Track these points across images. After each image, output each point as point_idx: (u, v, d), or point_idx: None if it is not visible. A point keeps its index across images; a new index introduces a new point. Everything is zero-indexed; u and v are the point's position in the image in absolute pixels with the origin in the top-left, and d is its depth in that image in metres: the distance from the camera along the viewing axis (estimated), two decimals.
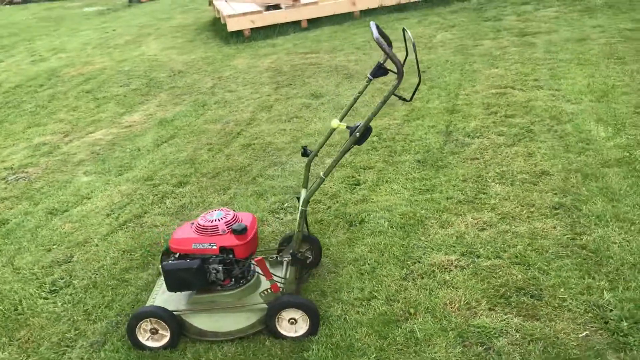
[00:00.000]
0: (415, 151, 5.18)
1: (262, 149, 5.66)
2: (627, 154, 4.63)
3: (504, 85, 6.58)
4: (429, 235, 3.87)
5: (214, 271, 3.18)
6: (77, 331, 3.33)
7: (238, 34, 10.53)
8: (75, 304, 3.57)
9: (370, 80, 3.17)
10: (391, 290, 3.36)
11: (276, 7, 10.97)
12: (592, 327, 2.92)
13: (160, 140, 6.22)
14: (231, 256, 3.15)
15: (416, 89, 2.90)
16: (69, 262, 4.04)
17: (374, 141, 5.48)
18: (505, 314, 3.07)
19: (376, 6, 11.10)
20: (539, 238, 3.70)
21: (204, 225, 3.14)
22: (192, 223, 3.23)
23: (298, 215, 2.96)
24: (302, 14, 10.73)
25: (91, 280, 3.80)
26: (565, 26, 8.78)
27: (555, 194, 4.22)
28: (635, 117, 5.34)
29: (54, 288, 3.76)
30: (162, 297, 3.32)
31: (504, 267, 3.45)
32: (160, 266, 3.30)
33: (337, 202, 4.45)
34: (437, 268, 3.52)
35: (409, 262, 3.61)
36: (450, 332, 2.99)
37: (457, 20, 10.16)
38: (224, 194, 4.79)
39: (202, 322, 3.13)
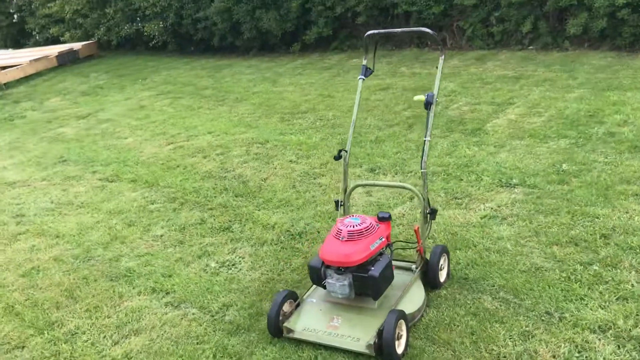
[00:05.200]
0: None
1: None
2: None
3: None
4: None
5: None
6: None
7: None
8: None
9: (363, 80, 4.00)
10: None
11: None
12: None
13: None
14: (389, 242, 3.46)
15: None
16: None
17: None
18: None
19: None
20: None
21: (365, 227, 3.27)
22: (340, 237, 3.23)
23: (422, 178, 3.59)
24: None
25: None
26: None
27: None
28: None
29: None
30: (357, 318, 3.22)
31: None
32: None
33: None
34: None
35: None
36: None
37: None
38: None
39: (409, 308, 3.32)
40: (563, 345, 3.03)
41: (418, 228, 3.53)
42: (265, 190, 5.46)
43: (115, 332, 3.61)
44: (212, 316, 3.65)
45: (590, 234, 3.99)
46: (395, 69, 9.55)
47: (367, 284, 3.16)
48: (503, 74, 8.42)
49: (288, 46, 12.63)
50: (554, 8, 9.38)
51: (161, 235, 4.84)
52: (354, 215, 3.38)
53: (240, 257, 4.34)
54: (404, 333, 3.10)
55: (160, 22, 13.54)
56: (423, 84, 8.38)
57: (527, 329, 3.18)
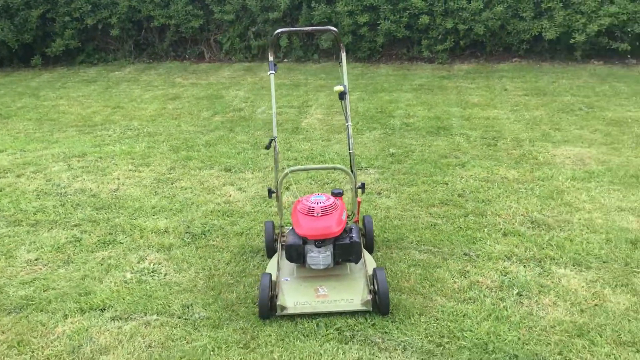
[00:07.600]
0: None
1: None
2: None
3: None
4: None
5: None
6: None
7: None
8: None
9: (273, 74, 4.34)
10: None
11: None
12: None
13: None
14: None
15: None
16: None
17: None
18: None
19: None
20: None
21: (334, 202, 3.66)
22: (315, 214, 3.55)
23: (350, 158, 4.06)
24: None
25: None
26: None
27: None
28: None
29: None
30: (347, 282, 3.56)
31: None
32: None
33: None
34: None
35: None
36: None
37: None
38: None
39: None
40: (492, 273, 3.86)
41: (360, 201, 4.00)
42: (125, 200, 5.18)
43: (75, 358, 3.20)
44: (180, 317, 3.51)
45: (450, 196, 4.99)
46: (171, 80, 9.61)
47: (350, 250, 3.51)
48: (281, 82, 9.25)
49: (21, 59, 11.43)
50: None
51: (36, 259, 4.27)
52: (316, 194, 3.69)
53: (155, 264, 4.15)
54: None
55: None
56: (212, 92, 8.68)
57: (459, 268, 3.94)
